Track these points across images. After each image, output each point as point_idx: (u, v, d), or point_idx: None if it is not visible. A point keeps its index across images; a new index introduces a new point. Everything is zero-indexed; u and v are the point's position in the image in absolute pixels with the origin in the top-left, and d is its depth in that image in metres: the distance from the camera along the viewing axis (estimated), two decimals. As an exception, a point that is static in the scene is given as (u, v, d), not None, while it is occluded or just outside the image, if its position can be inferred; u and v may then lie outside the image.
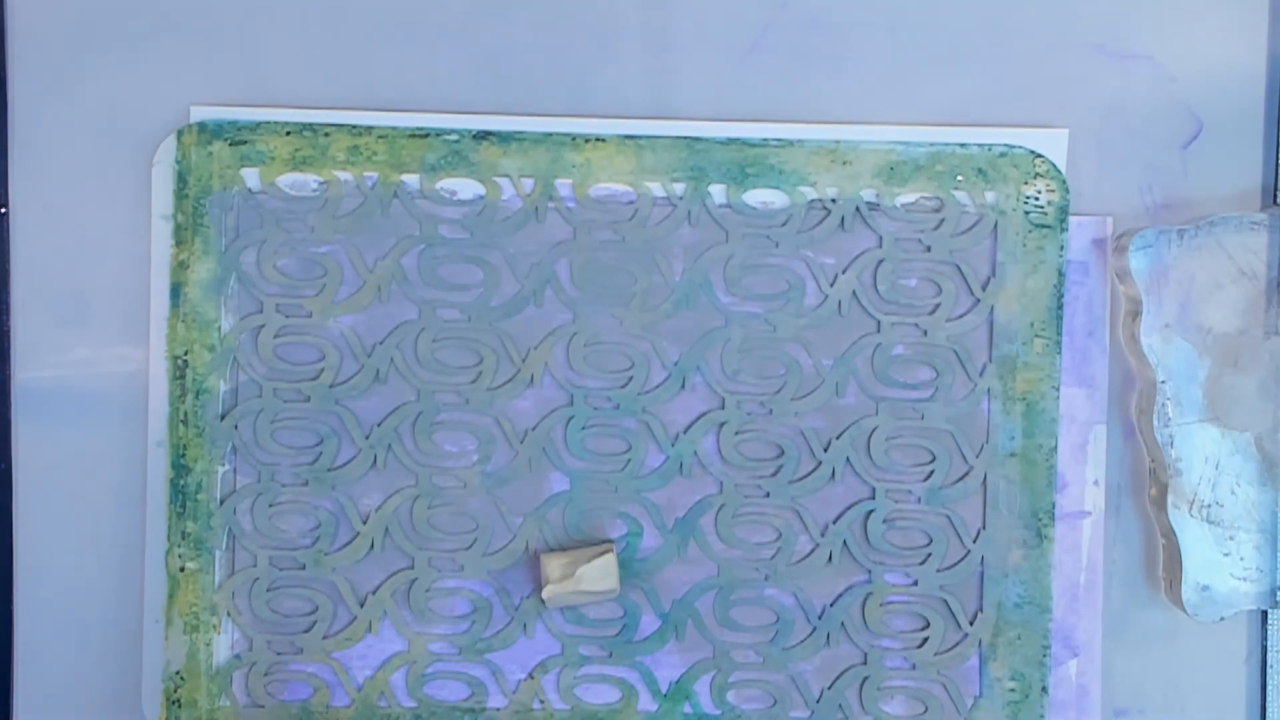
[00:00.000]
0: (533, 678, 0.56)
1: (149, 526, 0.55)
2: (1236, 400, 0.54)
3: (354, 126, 0.55)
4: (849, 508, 0.55)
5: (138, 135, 0.55)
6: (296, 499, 0.55)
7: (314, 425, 0.55)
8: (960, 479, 0.55)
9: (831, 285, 0.55)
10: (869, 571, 0.55)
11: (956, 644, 0.55)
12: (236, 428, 0.55)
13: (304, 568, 0.55)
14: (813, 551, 0.55)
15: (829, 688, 0.55)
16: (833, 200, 0.55)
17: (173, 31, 0.55)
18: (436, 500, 0.55)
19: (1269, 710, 0.56)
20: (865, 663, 0.55)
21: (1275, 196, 0.55)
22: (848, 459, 0.55)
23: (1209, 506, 0.55)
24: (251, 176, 0.55)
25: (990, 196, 0.55)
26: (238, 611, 0.55)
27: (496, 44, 0.55)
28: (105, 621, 0.56)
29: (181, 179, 0.54)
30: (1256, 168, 0.56)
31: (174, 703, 0.55)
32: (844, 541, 0.55)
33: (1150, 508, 0.56)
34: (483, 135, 0.55)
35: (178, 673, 0.55)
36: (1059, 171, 0.54)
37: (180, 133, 0.54)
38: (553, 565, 0.53)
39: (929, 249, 0.55)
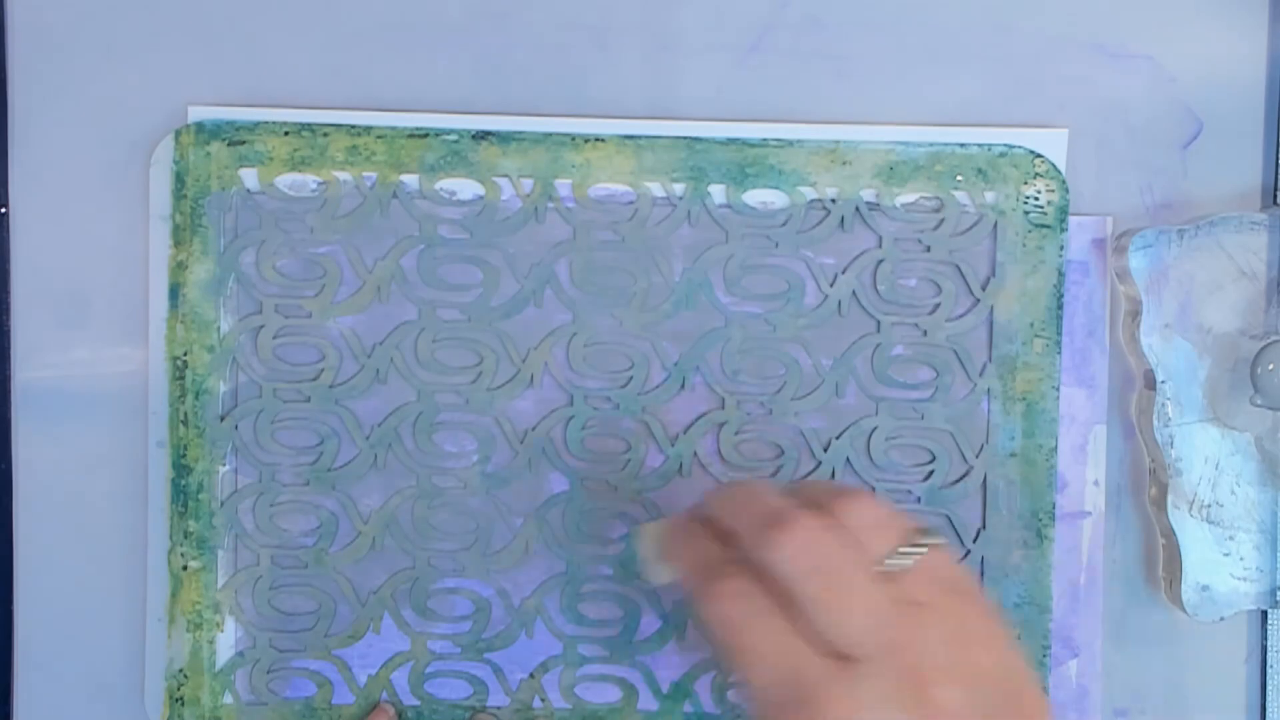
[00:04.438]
0: (534, 677, 0.56)
1: (151, 526, 0.55)
2: (1237, 400, 0.54)
3: (353, 126, 0.55)
4: (849, 508, 0.55)
5: (136, 135, 0.55)
6: (297, 499, 0.55)
7: (314, 425, 0.55)
8: (960, 479, 0.55)
9: (831, 285, 0.55)
10: (869, 571, 0.55)
11: (956, 644, 0.55)
12: (237, 428, 0.55)
13: (306, 566, 0.55)
14: (812, 551, 0.55)
15: (829, 687, 0.56)
16: (832, 200, 0.55)
17: (171, 31, 0.55)
18: (436, 500, 0.55)
19: (1269, 710, 0.56)
20: (865, 662, 0.55)
21: (1275, 196, 0.55)
22: (848, 459, 0.55)
23: (1209, 506, 0.55)
24: (250, 177, 0.55)
25: (990, 196, 0.55)
26: (240, 610, 0.55)
27: (496, 44, 0.55)
28: (107, 620, 0.56)
29: (179, 179, 0.54)
30: (1256, 168, 0.56)
31: (177, 700, 0.55)
32: (844, 541, 0.55)
33: (1150, 508, 0.56)
34: (482, 135, 0.55)
35: (180, 670, 0.55)
36: (1059, 171, 0.54)
37: (178, 133, 0.54)
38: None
39: (929, 249, 0.55)
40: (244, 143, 0.54)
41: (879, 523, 0.40)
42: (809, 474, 0.55)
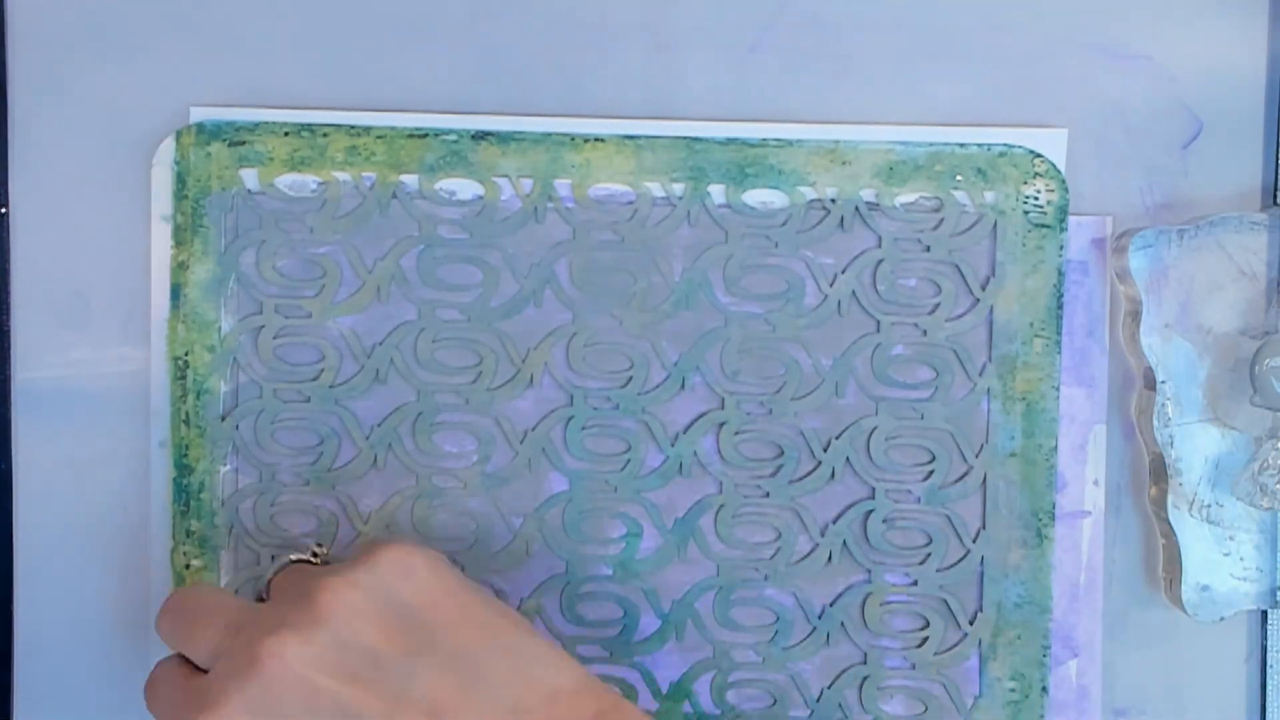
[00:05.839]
0: (533, 677, 0.56)
1: (152, 525, 0.55)
2: (1237, 400, 0.54)
3: (352, 127, 0.55)
4: (849, 508, 0.55)
5: (137, 136, 0.55)
6: (298, 499, 0.55)
7: (314, 426, 0.55)
8: (960, 479, 0.55)
9: (831, 285, 0.55)
10: (869, 571, 0.55)
11: (956, 644, 0.55)
12: (238, 428, 0.55)
13: (306, 566, 0.55)
14: (812, 551, 0.55)
15: (829, 687, 0.56)
16: (832, 200, 0.55)
17: (172, 32, 0.55)
18: (436, 500, 0.55)
19: (1269, 710, 0.56)
20: (865, 662, 0.55)
21: (1275, 196, 0.55)
22: (847, 459, 0.55)
23: (1209, 506, 0.55)
24: (250, 177, 0.55)
25: (990, 196, 0.55)
26: (240, 609, 0.55)
27: (496, 44, 0.55)
28: (108, 620, 0.56)
29: (180, 180, 0.54)
30: (1256, 168, 0.56)
31: (177, 700, 0.55)
32: (844, 541, 0.55)
33: (1150, 508, 0.56)
34: (481, 135, 0.55)
35: (180, 670, 0.55)
36: (1058, 171, 0.54)
37: (179, 133, 0.54)
38: None
39: (928, 249, 0.55)
40: (244, 143, 0.54)
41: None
42: (809, 474, 0.55)
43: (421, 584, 0.45)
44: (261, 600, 0.49)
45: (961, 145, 0.55)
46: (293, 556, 0.49)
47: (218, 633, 0.45)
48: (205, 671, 0.45)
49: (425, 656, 0.44)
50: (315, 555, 0.50)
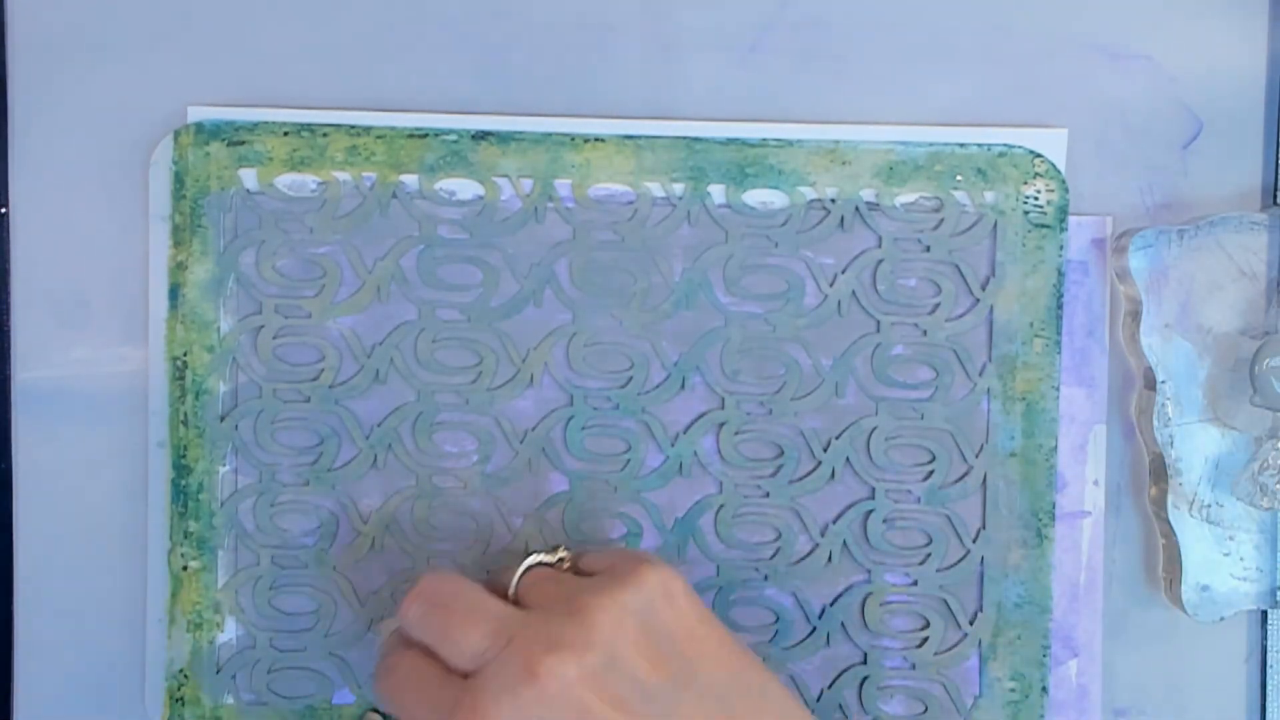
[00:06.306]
0: (533, 677, 0.56)
1: (151, 526, 0.55)
2: (1237, 400, 0.54)
3: (352, 127, 0.55)
4: (849, 508, 0.55)
5: (135, 135, 0.55)
6: (297, 499, 0.55)
7: (314, 426, 0.55)
8: (960, 479, 0.55)
9: (831, 285, 0.55)
10: (868, 571, 0.55)
11: (956, 644, 0.55)
12: (237, 428, 0.55)
13: (306, 566, 0.55)
14: (812, 551, 0.55)
15: (828, 687, 0.56)
16: (832, 200, 0.55)
17: (170, 32, 0.55)
18: (436, 500, 0.55)
19: (1269, 710, 0.56)
20: (865, 662, 0.55)
21: (1275, 196, 0.55)
22: (847, 459, 0.55)
23: (1209, 506, 0.55)
24: (249, 177, 0.55)
25: (990, 196, 0.55)
26: (240, 610, 0.55)
27: (496, 44, 0.55)
28: (107, 620, 0.56)
29: (179, 180, 0.54)
30: (1256, 168, 0.56)
31: (177, 700, 0.55)
32: (844, 541, 0.55)
33: (1150, 508, 0.56)
34: (482, 135, 0.55)
35: (181, 670, 0.55)
36: (1058, 171, 0.54)
37: (177, 133, 0.54)
38: None
39: (928, 249, 0.55)
40: (243, 143, 0.54)
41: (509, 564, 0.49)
42: (809, 474, 0.55)
43: (681, 611, 0.46)
44: (506, 600, 0.48)
45: (961, 145, 0.55)
46: (539, 559, 0.49)
47: (484, 636, 0.45)
48: (460, 672, 0.45)
49: (684, 689, 0.45)
50: (561, 559, 0.50)
